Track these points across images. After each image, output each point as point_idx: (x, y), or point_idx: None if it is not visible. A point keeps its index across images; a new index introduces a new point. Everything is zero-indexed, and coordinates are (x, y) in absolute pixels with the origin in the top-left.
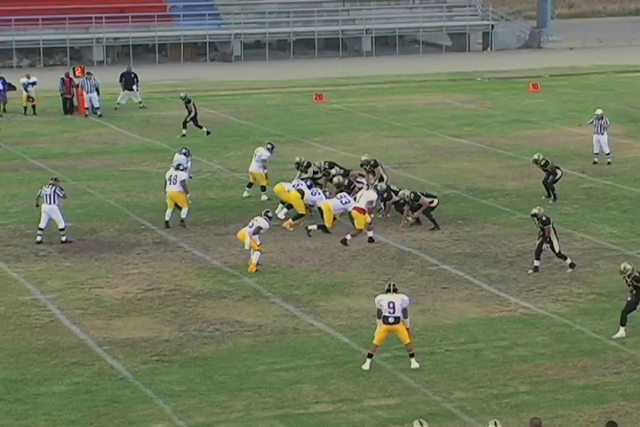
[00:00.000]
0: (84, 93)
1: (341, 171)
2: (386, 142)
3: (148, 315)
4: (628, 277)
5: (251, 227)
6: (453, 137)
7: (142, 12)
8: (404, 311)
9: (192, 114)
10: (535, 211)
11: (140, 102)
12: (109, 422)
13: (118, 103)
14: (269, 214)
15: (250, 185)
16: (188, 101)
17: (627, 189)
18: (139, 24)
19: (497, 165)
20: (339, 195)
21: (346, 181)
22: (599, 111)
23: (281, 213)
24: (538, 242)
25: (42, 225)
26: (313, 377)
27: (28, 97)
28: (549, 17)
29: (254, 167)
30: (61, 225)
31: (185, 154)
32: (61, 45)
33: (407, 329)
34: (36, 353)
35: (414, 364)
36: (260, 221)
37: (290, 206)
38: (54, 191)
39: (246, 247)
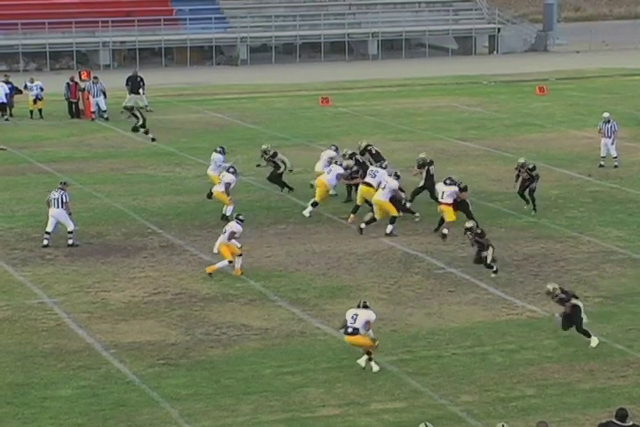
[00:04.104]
0: (91, 97)
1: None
2: (392, 146)
3: (154, 319)
4: (555, 296)
5: (224, 233)
6: (459, 140)
7: (149, 16)
8: (367, 324)
9: (140, 121)
10: (469, 225)
11: (146, 106)
12: (116, 426)
13: (124, 107)
14: (241, 217)
15: (311, 186)
16: (130, 109)
17: (633, 193)
18: (145, 28)
19: (503, 168)
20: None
21: (354, 166)
22: (606, 114)
23: (306, 211)
24: (475, 252)
25: (49, 229)
26: (319, 381)
27: (35, 100)
28: (556, 20)
29: (320, 168)
30: (70, 228)
31: (221, 152)
32: (68, 49)
33: (371, 339)
34: (42, 357)
35: (375, 367)
36: (233, 226)
37: (315, 204)
38: (62, 196)
39: (214, 251)
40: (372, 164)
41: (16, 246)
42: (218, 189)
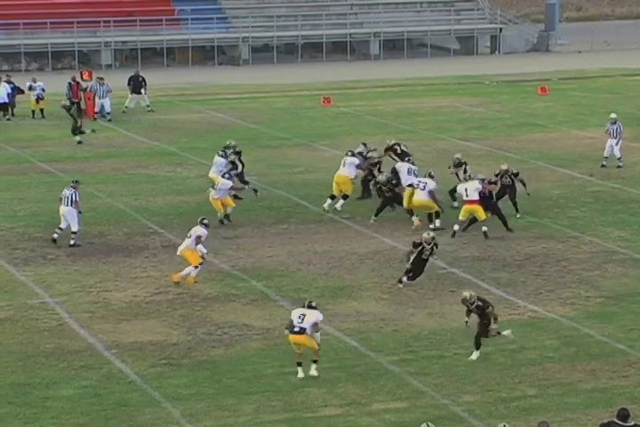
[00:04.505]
0: (96, 98)
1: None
2: None
3: (156, 318)
4: (471, 304)
5: (189, 237)
6: (461, 140)
7: (150, 16)
8: (315, 326)
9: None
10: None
11: (147, 106)
12: (117, 426)
13: (126, 107)
14: (205, 222)
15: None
16: (68, 109)
17: (635, 193)
18: (147, 28)
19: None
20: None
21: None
22: (613, 115)
23: (338, 204)
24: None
25: (62, 225)
26: (321, 381)
27: (37, 100)
28: (557, 20)
29: (344, 172)
30: (74, 228)
31: (222, 156)
32: (70, 49)
33: (316, 343)
34: (44, 357)
35: (314, 371)
36: (198, 230)
37: (345, 197)
38: (72, 194)
39: (178, 253)
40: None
41: (18, 246)
42: (212, 195)
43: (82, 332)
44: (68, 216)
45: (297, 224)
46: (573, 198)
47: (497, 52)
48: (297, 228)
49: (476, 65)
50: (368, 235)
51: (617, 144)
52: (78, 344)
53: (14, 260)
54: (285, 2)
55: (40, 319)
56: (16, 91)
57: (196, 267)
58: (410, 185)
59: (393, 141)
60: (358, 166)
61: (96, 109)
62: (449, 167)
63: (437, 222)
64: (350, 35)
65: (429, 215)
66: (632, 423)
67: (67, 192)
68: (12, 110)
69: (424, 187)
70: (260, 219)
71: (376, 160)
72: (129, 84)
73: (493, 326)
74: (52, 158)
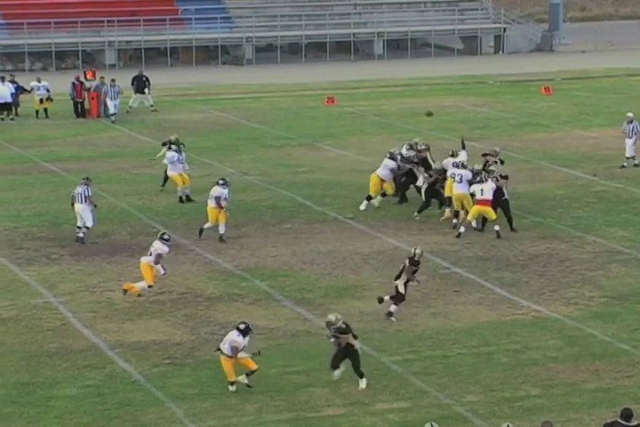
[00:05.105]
0: (107, 100)
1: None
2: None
3: (159, 318)
4: (334, 327)
5: (150, 255)
6: (465, 140)
7: (154, 16)
8: (233, 350)
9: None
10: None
11: (151, 106)
12: (121, 426)
13: (130, 106)
14: (165, 237)
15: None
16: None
17: (638, 193)
18: (150, 27)
19: (508, 168)
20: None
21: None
22: (630, 114)
23: (375, 200)
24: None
25: (79, 223)
26: (324, 380)
27: (41, 100)
28: (561, 20)
29: (381, 173)
30: (89, 224)
31: (176, 150)
32: (73, 49)
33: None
34: (47, 356)
35: (245, 379)
36: (158, 248)
37: (384, 195)
38: (85, 191)
39: (161, 273)
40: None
41: (21, 246)
42: (210, 204)
43: (85, 331)
44: (83, 213)
45: (300, 224)
46: (577, 198)
47: (501, 52)
48: (300, 227)
49: (480, 65)
50: (371, 235)
51: (634, 144)
52: (82, 344)
53: (18, 259)
54: (289, 2)
55: (44, 319)
56: (20, 90)
57: (150, 286)
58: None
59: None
60: (392, 170)
61: (111, 111)
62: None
63: (461, 227)
64: (354, 34)
65: (455, 212)
66: (635, 423)
67: (79, 189)
68: (16, 110)
69: (460, 179)
70: (263, 218)
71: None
72: (133, 83)
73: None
74: (55, 158)
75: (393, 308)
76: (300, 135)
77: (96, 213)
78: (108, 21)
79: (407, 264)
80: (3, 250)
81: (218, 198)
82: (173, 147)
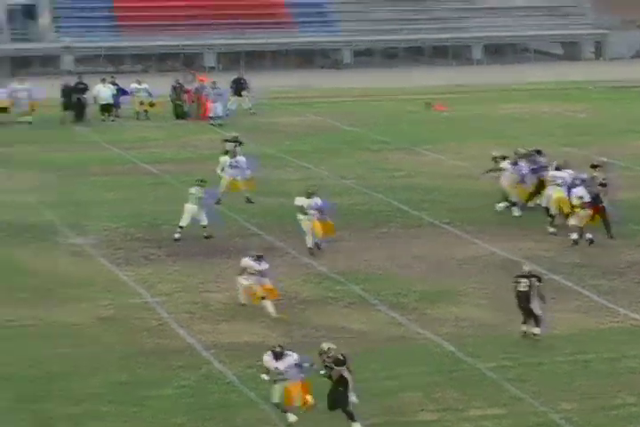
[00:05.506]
0: (210, 103)
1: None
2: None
3: (254, 320)
4: (328, 357)
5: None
6: (564, 146)
7: (255, 19)
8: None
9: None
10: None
11: (249, 108)
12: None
13: (229, 109)
14: (253, 253)
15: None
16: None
17: None
18: (251, 31)
19: (608, 175)
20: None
21: None
22: None
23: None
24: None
25: (182, 223)
26: (418, 385)
27: (141, 102)
28: None
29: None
30: (204, 223)
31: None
32: (174, 51)
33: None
34: (144, 356)
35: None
36: (242, 262)
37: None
38: (198, 193)
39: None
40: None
41: (120, 246)
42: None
43: (181, 332)
44: (195, 214)
45: (396, 228)
46: None
47: (601, 58)
48: (396, 232)
49: (580, 70)
50: (468, 240)
51: None
52: (178, 344)
53: (117, 259)
54: (389, 6)
55: (141, 319)
56: (120, 92)
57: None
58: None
59: (524, 150)
60: (523, 175)
61: (210, 114)
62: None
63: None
64: (453, 39)
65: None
66: None
67: (192, 190)
68: (117, 111)
69: (562, 182)
70: (359, 222)
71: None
72: (232, 86)
73: (352, 397)
74: (155, 159)
75: (537, 330)
76: (397, 139)
77: (210, 212)
78: (210, 24)
79: (535, 284)
80: (102, 250)
81: (319, 210)
82: (229, 145)
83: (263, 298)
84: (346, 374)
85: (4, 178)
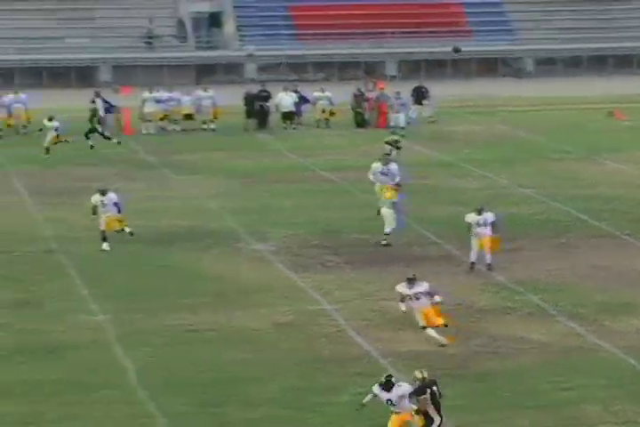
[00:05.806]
0: (392, 114)
1: None
2: None
3: (433, 329)
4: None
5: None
6: None
7: (438, 27)
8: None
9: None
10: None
11: (430, 117)
12: None
13: (410, 117)
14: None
15: None
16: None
17: None
18: (432, 39)
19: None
20: None
21: None
22: None
23: None
24: None
25: (387, 230)
26: (597, 397)
27: (323, 110)
28: None
29: None
30: (387, 230)
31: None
32: (355, 60)
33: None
34: (321, 363)
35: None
36: (398, 287)
37: None
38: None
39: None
40: None
41: (298, 253)
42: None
43: (359, 339)
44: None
45: (576, 238)
46: None
47: None
48: (576, 242)
49: None
50: None
51: None
52: (355, 351)
53: (295, 266)
54: (571, 14)
55: (319, 325)
56: (303, 100)
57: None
58: None
59: None
60: None
61: (391, 123)
62: None
63: None
64: (638, 48)
65: None
66: None
67: (387, 195)
68: (299, 119)
69: None
70: (537, 232)
71: None
72: (413, 94)
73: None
74: (333, 167)
75: None
76: (579, 148)
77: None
78: (391, 33)
79: None
80: (280, 256)
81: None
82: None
83: (424, 328)
84: (430, 410)
85: (190, 185)
